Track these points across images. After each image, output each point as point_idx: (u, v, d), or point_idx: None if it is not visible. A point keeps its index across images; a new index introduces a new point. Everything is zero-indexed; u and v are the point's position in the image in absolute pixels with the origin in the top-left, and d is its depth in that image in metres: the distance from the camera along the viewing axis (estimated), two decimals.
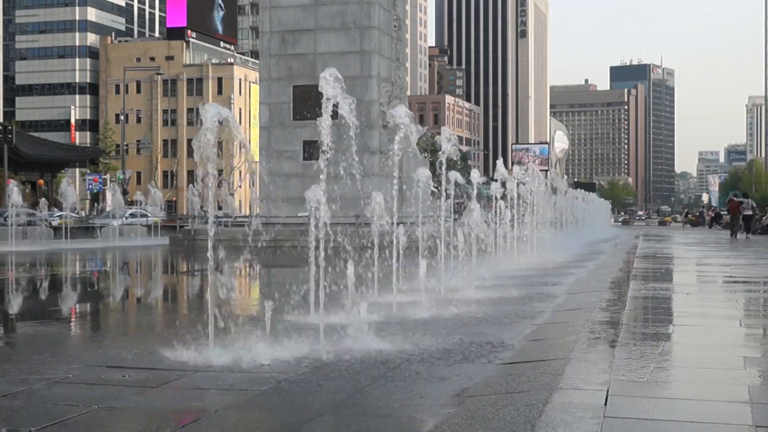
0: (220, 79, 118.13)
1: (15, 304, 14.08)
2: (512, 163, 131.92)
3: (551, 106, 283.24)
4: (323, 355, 7.45)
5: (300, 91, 35.53)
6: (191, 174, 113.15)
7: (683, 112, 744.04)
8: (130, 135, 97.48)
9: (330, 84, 8.87)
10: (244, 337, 8.02)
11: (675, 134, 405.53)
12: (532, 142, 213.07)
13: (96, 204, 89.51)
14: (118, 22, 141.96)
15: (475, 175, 16.67)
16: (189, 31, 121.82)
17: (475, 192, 15.99)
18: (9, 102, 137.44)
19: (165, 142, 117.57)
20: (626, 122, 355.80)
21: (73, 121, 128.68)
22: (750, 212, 41.02)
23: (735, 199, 42.50)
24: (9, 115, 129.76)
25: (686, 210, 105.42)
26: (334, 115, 9.01)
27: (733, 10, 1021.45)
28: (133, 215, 52.86)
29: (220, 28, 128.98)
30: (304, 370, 6.99)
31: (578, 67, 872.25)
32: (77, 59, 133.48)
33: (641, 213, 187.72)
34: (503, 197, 22.03)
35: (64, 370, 7.12)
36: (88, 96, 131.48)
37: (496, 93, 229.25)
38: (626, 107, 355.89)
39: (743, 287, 13.70)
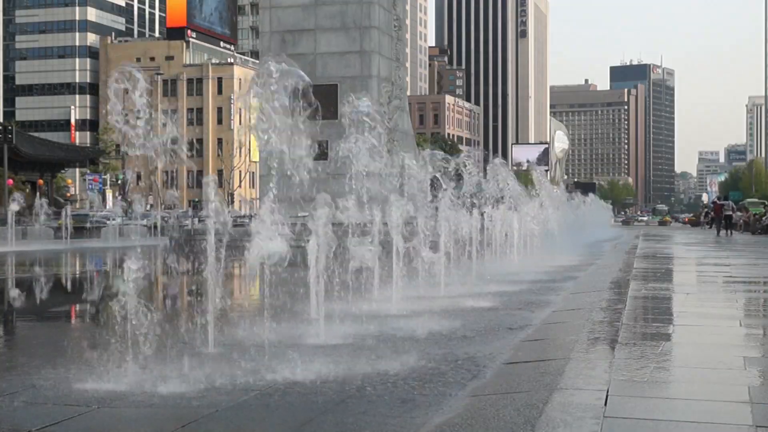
0: (220, 79, 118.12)
1: None
2: (512, 165, 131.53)
3: (551, 106, 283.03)
4: None
5: None
6: (190, 174, 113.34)
7: (683, 112, 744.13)
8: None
9: None
10: None
11: (675, 134, 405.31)
12: (532, 142, 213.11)
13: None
14: (118, 22, 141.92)
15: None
16: (189, 31, 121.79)
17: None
18: (9, 102, 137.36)
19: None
20: (626, 122, 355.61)
21: (73, 121, 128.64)
22: (730, 212, 46.08)
23: (718, 201, 49.68)
24: (9, 115, 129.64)
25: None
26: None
27: (733, 11, 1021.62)
28: None
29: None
30: None
31: (578, 67, 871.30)
32: (77, 59, 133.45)
33: (640, 214, 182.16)
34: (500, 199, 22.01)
35: None
36: (88, 96, 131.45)
37: (496, 93, 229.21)
38: (626, 107, 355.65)
39: (743, 287, 13.67)
